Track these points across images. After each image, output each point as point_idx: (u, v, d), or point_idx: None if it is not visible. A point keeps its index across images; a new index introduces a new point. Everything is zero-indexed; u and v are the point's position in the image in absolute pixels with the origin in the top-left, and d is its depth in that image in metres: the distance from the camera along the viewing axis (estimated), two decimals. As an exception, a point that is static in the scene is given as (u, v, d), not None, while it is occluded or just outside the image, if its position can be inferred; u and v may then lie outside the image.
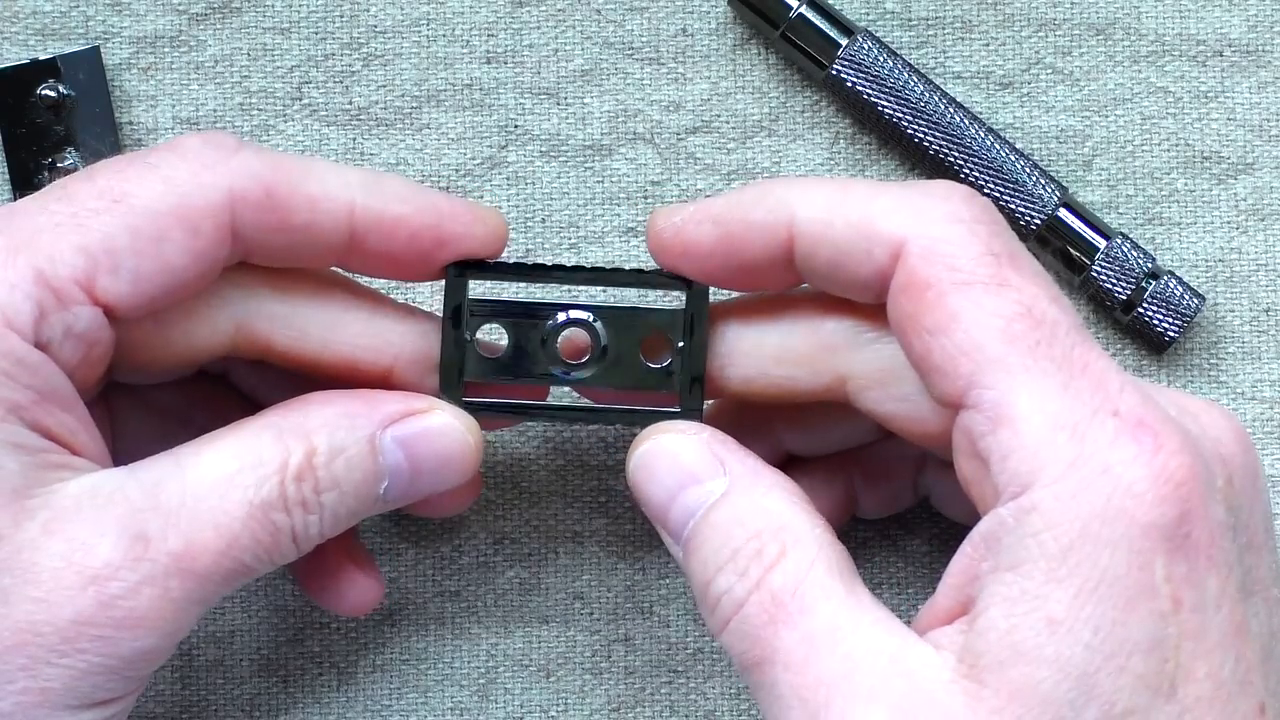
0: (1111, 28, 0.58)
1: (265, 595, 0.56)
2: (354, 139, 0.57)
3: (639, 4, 0.58)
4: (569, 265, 0.51)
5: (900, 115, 0.56)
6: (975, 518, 0.53)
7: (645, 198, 0.57)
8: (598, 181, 0.57)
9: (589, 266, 0.50)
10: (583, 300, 0.50)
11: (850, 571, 0.45)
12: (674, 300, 0.50)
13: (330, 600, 0.53)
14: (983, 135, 0.56)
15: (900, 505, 0.55)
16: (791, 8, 0.56)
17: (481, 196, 0.57)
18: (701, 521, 0.47)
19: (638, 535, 0.57)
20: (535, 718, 0.56)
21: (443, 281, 0.50)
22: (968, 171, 0.56)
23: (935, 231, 0.45)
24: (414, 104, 0.57)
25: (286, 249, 0.48)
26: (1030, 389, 0.43)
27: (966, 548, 0.44)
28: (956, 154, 0.56)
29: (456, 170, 0.57)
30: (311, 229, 0.48)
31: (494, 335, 0.51)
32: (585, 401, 0.53)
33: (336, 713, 0.56)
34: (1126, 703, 0.42)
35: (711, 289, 0.50)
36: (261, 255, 0.48)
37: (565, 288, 0.51)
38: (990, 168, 0.56)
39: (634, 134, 0.57)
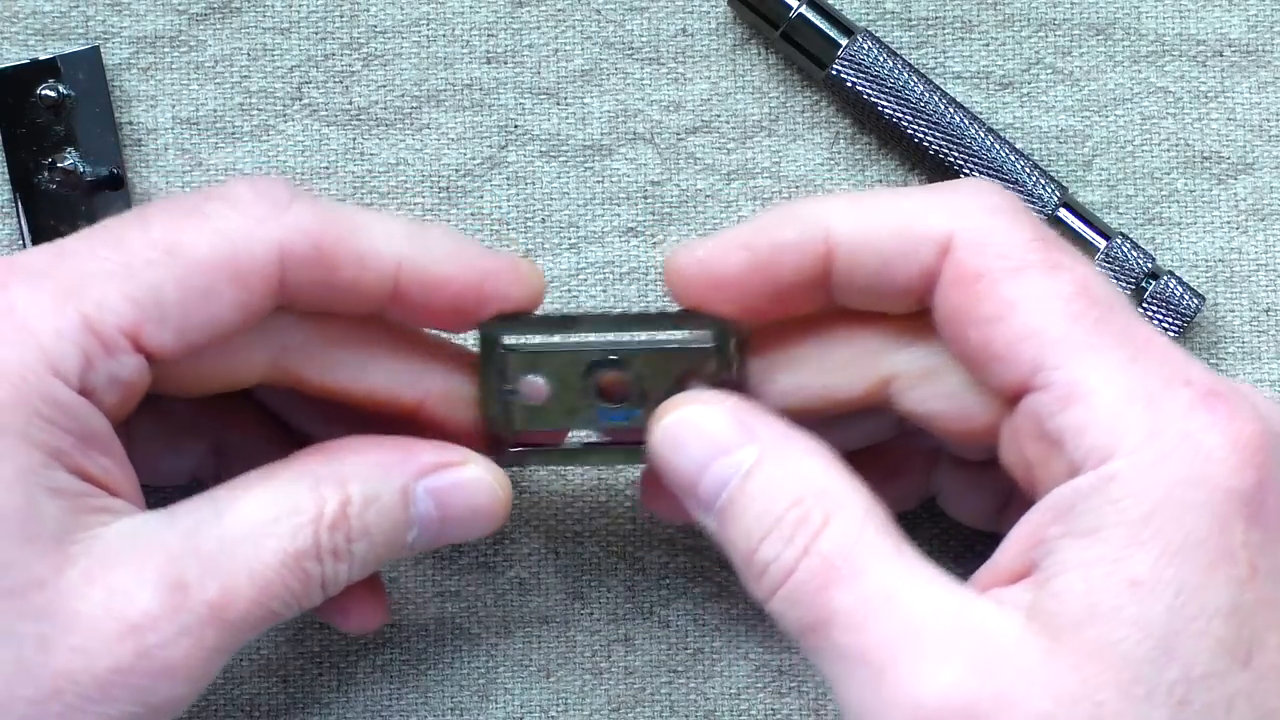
0: (1111, 28, 0.58)
1: (265, 595, 0.56)
2: (354, 139, 0.57)
3: (639, 4, 0.58)
4: (596, 313, 0.51)
5: (900, 115, 0.56)
6: (982, 519, 0.53)
7: (645, 198, 0.57)
8: (598, 181, 0.57)
9: (615, 314, 0.50)
10: (614, 338, 0.50)
11: (896, 530, 0.45)
12: (706, 335, 0.50)
13: (333, 619, 0.53)
14: (983, 135, 0.56)
15: (908, 504, 0.55)
16: (791, 8, 0.56)
17: (481, 196, 0.57)
18: (737, 491, 0.46)
19: (638, 535, 0.57)
20: (535, 718, 0.56)
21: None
22: (968, 171, 0.56)
23: (979, 223, 0.46)
24: (414, 104, 0.57)
25: (329, 300, 0.48)
26: (1099, 364, 0.44)
27: (1033, 515, 0.44)
28: (956, 154, 0.56)
29: (456, 170, 0.57)
30: (357, 284, 0.48)
31: (532, 383, 0.51)
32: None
33: (336, 713, 0.56)
34: (1206, 666, 0.42)
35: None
36: (304, 304, 0.48)
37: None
38: (990, 168, 0.56)
39: (634, 134, 0.57)
